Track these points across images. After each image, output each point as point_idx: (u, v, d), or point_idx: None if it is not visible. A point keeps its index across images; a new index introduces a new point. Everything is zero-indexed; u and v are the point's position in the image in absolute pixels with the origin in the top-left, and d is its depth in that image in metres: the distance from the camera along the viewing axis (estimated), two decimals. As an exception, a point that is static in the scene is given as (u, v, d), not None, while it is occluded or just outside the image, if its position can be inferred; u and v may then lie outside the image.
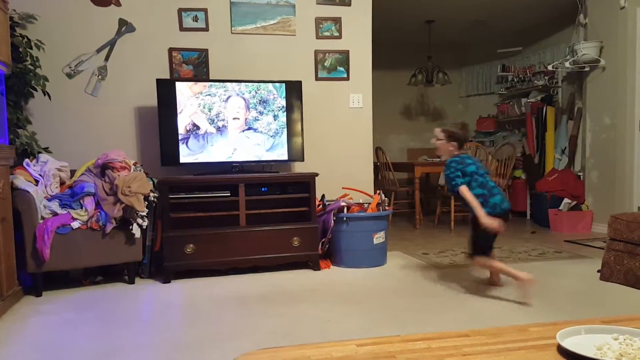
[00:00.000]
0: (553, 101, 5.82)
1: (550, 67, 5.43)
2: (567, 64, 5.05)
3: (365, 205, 3.70)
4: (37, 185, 3.06)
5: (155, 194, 3.27)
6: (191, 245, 3.25)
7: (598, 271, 3.12)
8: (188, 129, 3.52)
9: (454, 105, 7.73)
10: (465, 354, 0.99)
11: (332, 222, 3.54)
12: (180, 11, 3.79)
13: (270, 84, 3.69)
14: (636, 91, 4.52)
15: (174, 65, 3.79)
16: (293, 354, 1.04)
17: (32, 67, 3.34)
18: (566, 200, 5.12)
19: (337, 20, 4.09)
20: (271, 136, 3.69)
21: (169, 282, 3.22)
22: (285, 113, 3.71)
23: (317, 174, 3.56)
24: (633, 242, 2.86)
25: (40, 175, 3.11)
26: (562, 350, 0.97)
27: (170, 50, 3.78)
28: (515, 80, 6.54)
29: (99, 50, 3.67)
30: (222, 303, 2.73)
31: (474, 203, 2.71)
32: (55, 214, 3.01)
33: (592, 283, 3.01)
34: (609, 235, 3.05)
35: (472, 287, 2.96)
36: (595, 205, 5.03)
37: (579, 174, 5.28)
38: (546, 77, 5.88)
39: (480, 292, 2.84)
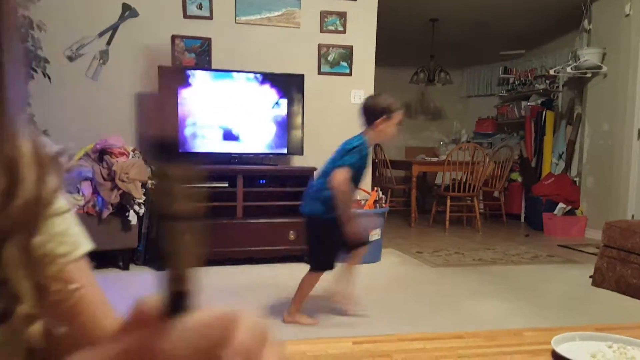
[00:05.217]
0: (553, 106, 5.84)
1: (552, 72, 5.43)
2: (568, 69, 5.06)
3: (362, 202, 3.70)
4: (34, 167, 3.04)
5: (153, 182, 3.26)
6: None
7: (590, 277, 3.14)
8: (188, 117, 3.51)
9: (454, 105, 7.73)
10: (461, 356, 1.00)
11: (329, 217, 3.53)
12: (184, -2, 3.77)
13: (272, 76, 3.67)
14: (636, 99, 4.53)
15: (176, 53, 3.76)
16: (287, 350, 1.04)
17: (33, 49, 3.31)
18: (561, 204, 5.14)
19: (342, 15, 4.07)
20: (271, 129, 3.68)
21: (164, 269, 3.21)
22: (286, 106, 3.70)
23: (315, 169, 3.56)
24: (626, 250, 2.89)
25: (37, 157, 3.10)
26: (556, 356, 0.98)
27: (173, 37, 3.76)
28: (516, 83, 6.55)
29: (101, 34, 3.64)
30: (216, 293, 2.73)
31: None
32: (51, 197, 2.99)
33: (584, 288, 3.03)
34: (602, 241, 3.07)
35: (463, 289, 2.98)
36: (589, 211, 5.06)
37: (575, 179, 5.30)
38: (547, 81, 5.89)
39: (472, 294, 2.86)
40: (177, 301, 0.21)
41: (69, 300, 0.43)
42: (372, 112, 2.27)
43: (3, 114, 0.36)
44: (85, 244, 0.45)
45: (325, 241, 2.26)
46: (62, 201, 0.42)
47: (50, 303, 0.40)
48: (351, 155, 2.23)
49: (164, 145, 0.17)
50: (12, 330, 0.37)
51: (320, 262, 2.28)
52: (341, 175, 2.15)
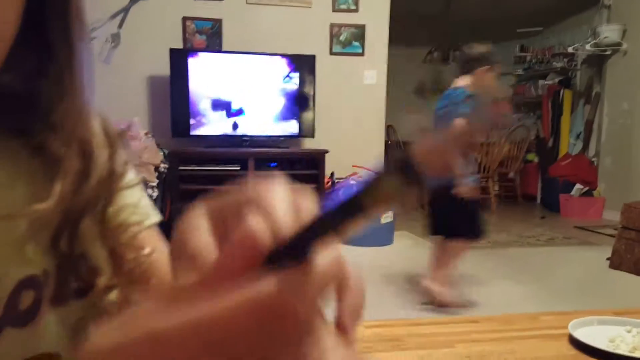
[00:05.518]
0: (571, 84, 5.71)
1: (570, 49, 5.30)
2: (587, 47, 4.92)
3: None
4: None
5: (166, 165, 3.27)
6: (200, 217, 3.26)
7: (608, 259, 3.10)
8: (200, 100, 3.49)
9: (468, 85, 7.59)
10: (475, 340, 0.98)
11: (341, 199, 3.53)
12: (194, -21, 3.72)
13: (283, 57, 3.63)
14: (658, 77, 4.41)
15: (187, 35, 3.73)
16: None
17: (44, 32, 3.31)
18: (578, 185, 5.06)
19: (354, -7, 3.99)
20: (282, 111, 3.65)
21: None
22: (297, 88, 3.66)
23: (327, 151, 3.53)
24: (645, 232, 2.83)
25: (51, 141, 3.12)
26: (574, 341, 0.96)
27: (184, 19, 3.72)
28: (533, 61, 6.41)
29: (112, 17, 3.62)
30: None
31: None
32: (66, 181, 3.02)
33: (601, 271, 2.99)
34: (621, 223, 3.02)
35: (477, 272, 2.95)
36: (607, 192, 4.97)
37: (593, 159, 5.20)
38: (565, 60, 5.75)
39: (486, 277, 2.84)
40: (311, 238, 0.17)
41: (142, 266, 0.44)
42: (474, 60, 2.17)
43: (77, 98, 0.37)
44: (155, 215, 0.47)
45: (463, 207, 2.15)
46: (131, 174, 0.44)
47: (125, 272, 0.42)
48: (465, 105, 2.05)
49: (413, 170, 0.16)
50: (92, 302, 0.38)
51: (469, 229, 2.22)
52: (460, 123, 2.00)
